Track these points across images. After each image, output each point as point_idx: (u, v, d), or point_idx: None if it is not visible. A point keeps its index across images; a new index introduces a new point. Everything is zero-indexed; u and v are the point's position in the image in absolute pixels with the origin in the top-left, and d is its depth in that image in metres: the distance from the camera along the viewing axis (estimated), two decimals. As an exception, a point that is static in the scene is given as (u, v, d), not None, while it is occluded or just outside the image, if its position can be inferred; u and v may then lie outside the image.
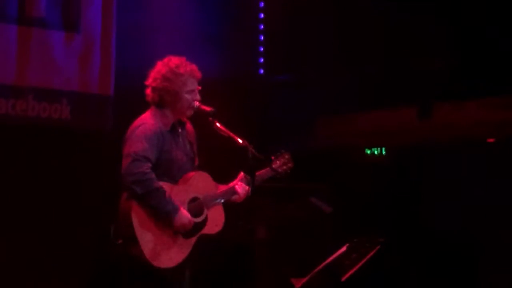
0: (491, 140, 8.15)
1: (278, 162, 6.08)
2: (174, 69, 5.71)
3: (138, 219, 5.50)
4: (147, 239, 5.47)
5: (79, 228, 7.51)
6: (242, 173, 5.89)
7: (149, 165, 5.51)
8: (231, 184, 5.89)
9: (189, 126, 5.94)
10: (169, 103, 5.73)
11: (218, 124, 5.71)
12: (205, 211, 5.74)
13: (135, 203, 5.49)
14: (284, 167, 6.10)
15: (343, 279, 5.81)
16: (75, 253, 7.56)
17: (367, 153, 8.95)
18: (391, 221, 8.27)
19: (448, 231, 8.24)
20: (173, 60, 5.77)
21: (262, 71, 8.98)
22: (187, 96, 5.72)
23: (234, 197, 5.87)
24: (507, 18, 7.76)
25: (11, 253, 7.28)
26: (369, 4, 8.42)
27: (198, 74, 5.80)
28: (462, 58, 8.01)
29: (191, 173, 5.78)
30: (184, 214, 5.57)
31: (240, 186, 5.85)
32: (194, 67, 5.80)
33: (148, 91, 5.79)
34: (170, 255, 5.55)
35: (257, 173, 5.83)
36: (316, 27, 8.63)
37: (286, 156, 6.12)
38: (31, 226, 7.36)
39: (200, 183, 5.78)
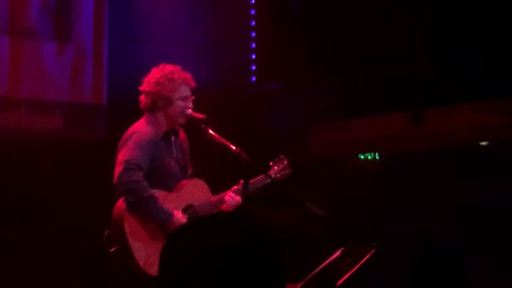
0: (483, 144, 8.18)
1: (276, 168, 6.07)
2: (167, 74, 5.74)
3: (130, 227, 5.50)
4: (140, 248, 5.48)
5: (73, 237, 7.50)
6: (241, 181, 5.86)
7: (141, 173, 5.52)
8: (225, 192, 5.89)
9: (182, 134, 5.95)
10: (161, 108, 5.74)
11: (211, 131, 5.72)
12: (200, 218, 5.74)
13: (127, 212, 5.50)
14: (283, 173, 6.10)
15: (338, 283, 5.81)
16: (69, 262, 7.56)
17: (360, 158, 8.97)
18: (383, 226, 8.28)
19: (441, 236, 8.25)
20: (168, 67, 5.81)
21: (254, 78, 9.00)
22: (180, 103, 5.74)
23: (223, 206, 5.86)
24: (496, 21, 7.81)
25: (4, 264, 7.26)
26: (358, 12, 8.46)
27: (192, 83, 5.82)
28: (452, 62, 8.05)
29: (185, 181, 5.79)
30: (179, 218, 5.58)
31: (229, 196, 5.84)
32: (188, 75, 5.82)
33: (142, 97, 5.81)
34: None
35: (251, 181, 5.84)
36: (307, 34, 8.65)
37: (285, 162, 6.12)
38: (24, 236, 7.35)
39: (194, 190, 5.78)
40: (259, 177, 5.96)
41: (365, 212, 8.47)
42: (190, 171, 5.94)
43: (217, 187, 5.92)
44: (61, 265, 7.54)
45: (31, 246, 7.42)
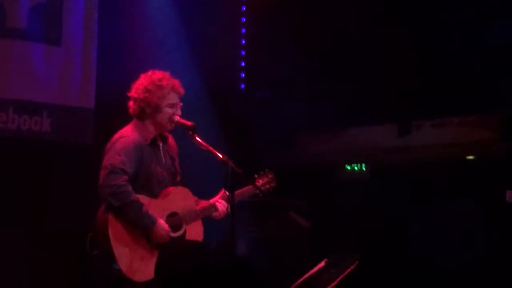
0: (470, 158, 8.21)
1: (260, 180, 6.10)
2: (156, 81, 5.74)
3: (114, 232, 5.49)
4: (123, 253, 5.47)
5: (58, 240, 7.48)
6: (223, 190, 5.90)
7: (126, 177, 5.51)
8: (211, 201, 5.89)
9: (171, 141, 5.95)
10: (149, 115, 5.74)
11: (198, 139, 5.71)
12: (184, 226, 5.74)
13: (112, 216, 5.49)
14: (267, 186, 6.12)
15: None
16: (53, 265, 7.54)
17: (347, 169, 8.97)
18: (370, 237, 8.29)
19: (427, 248, 8.27)
20: (156, 73, 5.80)
21: (242, 86, 9.00)
22: (168, 110, 5.73)
23: (214, 214, 5.88)
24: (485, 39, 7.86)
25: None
26: (348, 23, 8.48)
27: (181, 90, 5.82)
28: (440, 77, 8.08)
29: (171, 188, 5.79)
30: (162, 226, 5.57)
31: (220, 204, 5.87)
32: (177, 82, 5.82)
33: (130, 103, 5.80)
34: (147, 269, 5.54)
35: (238, 191, 5.84)
36: (297, 44, 8.67)
37: (270, 176, 6.16)
38: (9, 237, 7.32)
39: (179, 198, 5.77)
40: (246, 187, 5.97)
41: (351, 221, 8.48)
42: (178, 178, 5.93)
43: (205, 195, 5.93)
44: (47, 266, 7.52)
45: (16, 247, 7.38)
